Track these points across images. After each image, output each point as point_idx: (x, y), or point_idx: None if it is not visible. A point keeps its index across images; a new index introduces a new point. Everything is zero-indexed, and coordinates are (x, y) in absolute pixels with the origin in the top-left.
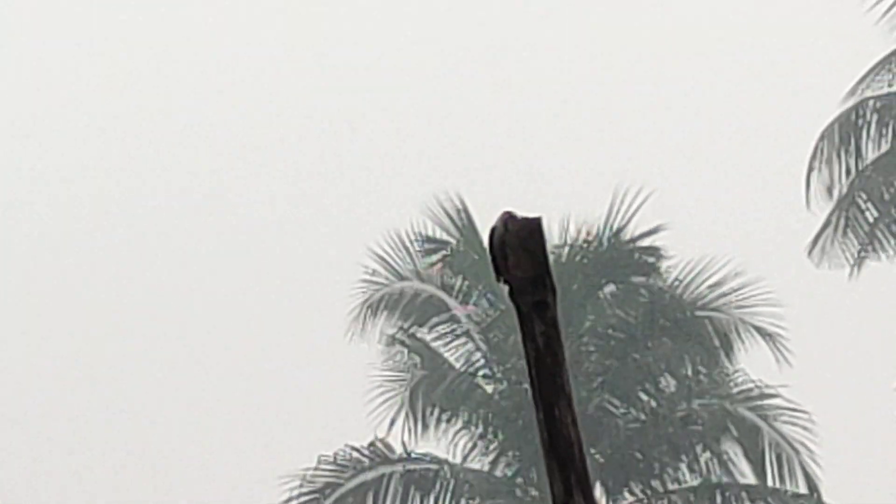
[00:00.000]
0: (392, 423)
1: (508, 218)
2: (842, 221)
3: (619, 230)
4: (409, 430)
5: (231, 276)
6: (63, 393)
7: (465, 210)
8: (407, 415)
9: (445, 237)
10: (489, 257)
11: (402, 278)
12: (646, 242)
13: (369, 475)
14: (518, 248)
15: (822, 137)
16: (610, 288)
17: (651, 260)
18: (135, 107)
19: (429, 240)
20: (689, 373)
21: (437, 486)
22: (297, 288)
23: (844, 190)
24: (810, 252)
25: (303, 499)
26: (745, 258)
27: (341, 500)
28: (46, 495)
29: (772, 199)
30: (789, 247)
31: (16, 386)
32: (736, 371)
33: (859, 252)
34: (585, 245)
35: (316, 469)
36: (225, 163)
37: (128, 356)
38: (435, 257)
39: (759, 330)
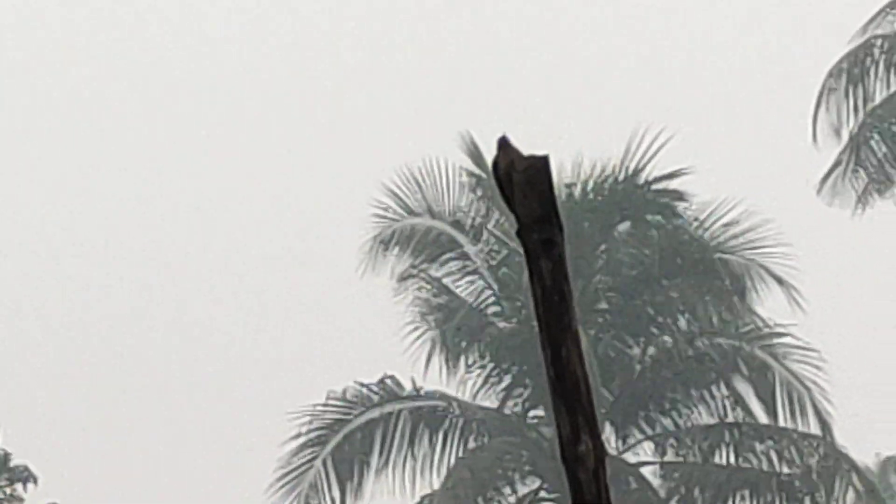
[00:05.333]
0: (429, 358)
1: (516, 156)
2: (852, 160)
3: (636, 169)
4: (432, 367)
5: (241, 212)
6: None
7: (476, 147)
8: (428, 351)
9: (477, 171)
10: (499, 191)
11: (413, 214)
12: (666, 185)
13: (378, 412)
14: (525, 186)
15: (829, 75)
16: (624, 226)
17: (667, 200)
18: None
19: (469, 174)
20: (702, 312)
21: (447, 423)
22: (308, 224)
23: (852, 128)
24: (820, 190)
25: (311, 435)
26: (755, 197)
27: (350, 437)
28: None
29: (779, 137)
30: (797, 185)
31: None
32: (748, 311)
33: (865, 190)
34: (600, 183)
35: (325, 405)
36: (238, 94)
37: (145, 300)
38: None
39: (771, 273)
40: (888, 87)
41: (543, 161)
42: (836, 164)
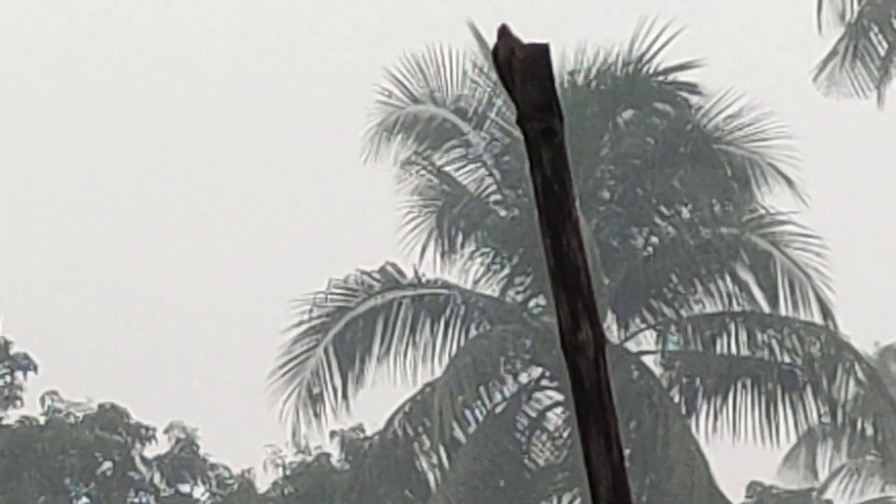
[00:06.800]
0: (424, 247)
1: (516, 44)
2: (850, 50)
3: (641, 58)
4: (433, 255)
5: (242, 96)
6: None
7: (479, 35)
8: (428, 239)
9: (481, 59)
10: (499, 79)
11: (416, 101)
12: (674, 77)
13: (380, 300)
14: (525, 74)
15: None
16: (627, 115)
17: (672, 89)
18: None
19: (473, 62)
20: (704, 202)
21: (448, 311)
22: (311, 109)
23: (851, 18)
24: (815, 78)
25: (314, 322)
26: (761, 87)
27: (352, 324)
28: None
29: (786, 26)
30: (803, 74)
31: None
32: (749, 201)
33: (881, 80)
34: (603, 71)
35: (327, 293)
36: None
37: (145, 187)
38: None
39: (772, 165)
40: None
41: (544, 49)
42: (833, 53)
